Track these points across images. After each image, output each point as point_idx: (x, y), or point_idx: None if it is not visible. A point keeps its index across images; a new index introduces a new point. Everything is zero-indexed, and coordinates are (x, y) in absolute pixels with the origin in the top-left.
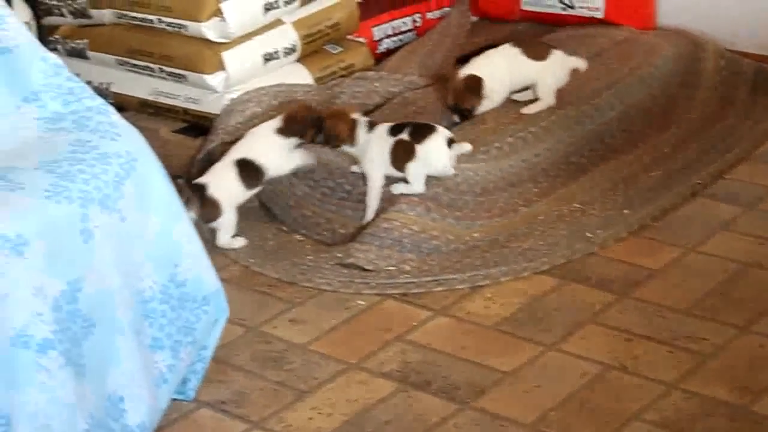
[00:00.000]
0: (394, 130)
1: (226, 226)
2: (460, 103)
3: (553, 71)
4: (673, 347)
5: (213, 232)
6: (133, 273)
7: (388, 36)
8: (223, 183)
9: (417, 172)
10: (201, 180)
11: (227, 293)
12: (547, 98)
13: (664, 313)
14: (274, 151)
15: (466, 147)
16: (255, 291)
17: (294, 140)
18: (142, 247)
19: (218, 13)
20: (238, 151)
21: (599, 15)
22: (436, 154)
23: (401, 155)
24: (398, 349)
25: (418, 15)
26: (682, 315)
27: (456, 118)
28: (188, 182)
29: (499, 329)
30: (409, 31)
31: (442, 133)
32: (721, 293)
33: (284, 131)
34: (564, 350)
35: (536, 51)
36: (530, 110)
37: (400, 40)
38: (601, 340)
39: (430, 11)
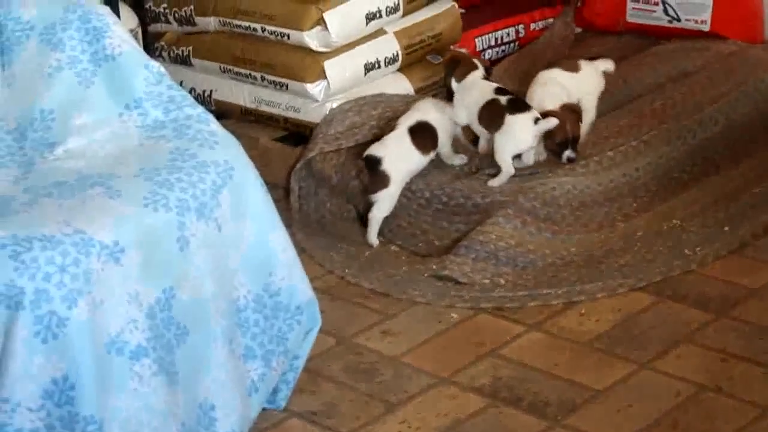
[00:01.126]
0: (498, 91)
1: (387, 199)
2: (576, 131)
3: (591, 81)
4: None
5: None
6: (227, 282)
7: (491, 46)
8: (397, 153)
9: (502, 147)
10: (374, 152)
11: (321, 303)
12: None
13: (762, 334)
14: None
15: (552, 122)
16: (348, 301)
17: None
18: (237, 255)
19: (321, 22)
20: (410, 119)
21: (706, 28)
22: (521, 127)
23: (487, 115)
24: (490, 364)
25: (521, 25)
26: None
27: (570, 154)
28: (360, 154)
29: (592, 346)
30: (513, 41)
31: (532, 113)
32: None
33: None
34: (658, 369)
35: (570, 65)
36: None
37: (503, 51)
38: (696, 359)
39: (534, 22)
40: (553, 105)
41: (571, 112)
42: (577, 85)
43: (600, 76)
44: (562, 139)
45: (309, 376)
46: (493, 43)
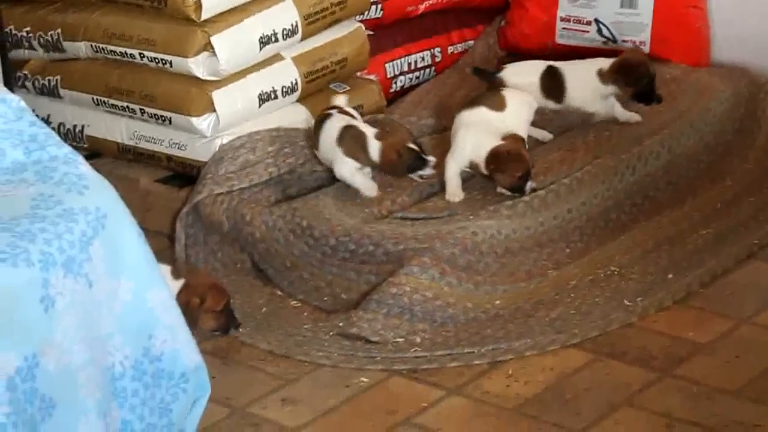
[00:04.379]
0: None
1: None
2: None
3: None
4: None
5: None
6: (100, 346)
7: (404, 72)
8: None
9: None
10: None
11: (211, 368)
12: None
13: (711, 395)
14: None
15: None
16: (243, 365)
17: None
18: (112, 316)
19: (208, 47)
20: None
21: (644, 50)
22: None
23: None
24: None
25: (437, 49)
26: (731, 397)
27: (533, 184)
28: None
29: (521, 412)
30: (428, 67)
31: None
32: None
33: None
34: None
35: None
36: None
37: (418, 78)
38: (638, 425)
39: (452, 44)
40: (492, 145)
41: (516, 140)
42: (505, 122)
43: (528, 106)
44: (524, 171)
45: None
46: (405, 68)
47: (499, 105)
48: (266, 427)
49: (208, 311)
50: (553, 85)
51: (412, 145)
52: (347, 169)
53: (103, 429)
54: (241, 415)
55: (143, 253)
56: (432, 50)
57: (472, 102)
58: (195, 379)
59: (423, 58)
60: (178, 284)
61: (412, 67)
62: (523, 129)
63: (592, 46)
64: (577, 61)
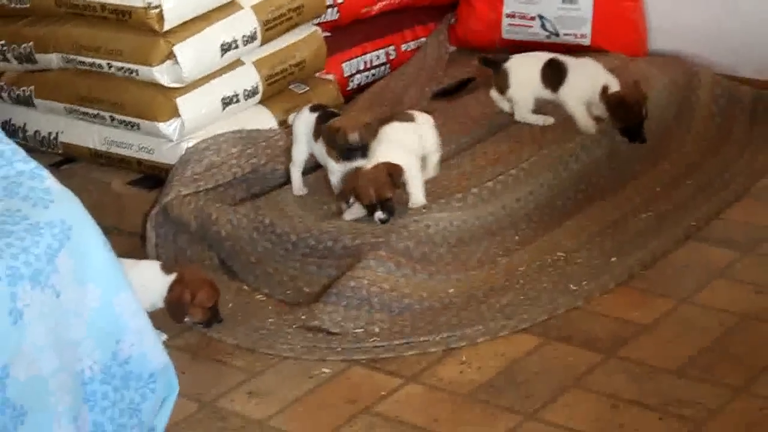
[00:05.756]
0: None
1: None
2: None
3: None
4: (663, 413)
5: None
6: (70, 353)
7: (360, 71)
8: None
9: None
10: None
11: (181, 363)
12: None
13: (654, 375)
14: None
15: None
16: (211, 360)
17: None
18: (80, 324)
19: (171, 56)
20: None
21: (586, 42)
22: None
23: None
24: (365, 423)
25: (392, 47)
26: (674, 376)
27: (381, 215)
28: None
29: (475, 397)
30: (383, 65)
31: None
32: (717, 350)
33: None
34: (545, 420)
35: (406, 116)
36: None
37: (374, 75)
38: (585, 406)
39: (405, 43)
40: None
41: (379, 173)
42: (418, 133)
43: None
44: (367, 203)
45: None
46: (362, 67)
47: (410, 119)
48: (234, 420)
49: (198, 306)
50: (554, 75)
51: (353, 135)
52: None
53: None
54: (210, 409)
55: (109, 260)
56: (387, 49)
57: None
58: (163, 378)
59: (378, 57)
60: (170, 278)
61: (368, 66)
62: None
63: (537, 41)
64: (583, 59)
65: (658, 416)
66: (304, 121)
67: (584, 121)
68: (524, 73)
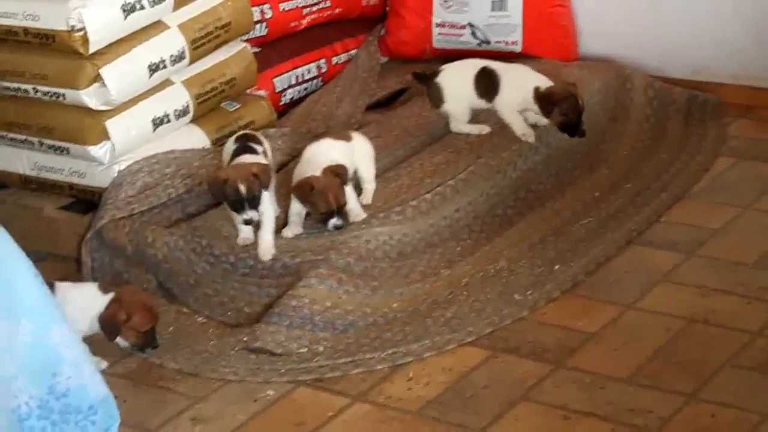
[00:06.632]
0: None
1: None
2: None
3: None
4: (615, 423)
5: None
6: (4, 389)
7: (292, 85)
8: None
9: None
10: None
11: (120, 391)
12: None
13: (603, 384)
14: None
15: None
16: (153, 386)
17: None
18: (13, 360)
19: (98, 78)
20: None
21: (517, 49)
22: None
23: None
24: None
25: (322, 60)
26: (623, 384)
27: (337, 222)
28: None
29: (424, 414)
30: (315, 78)
31: None
32: (665, 356)
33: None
34: None
35: (341, 134)
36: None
37: (306, 89)
38: (536, 419)
39: (335, 55)
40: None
41: (333, 176)
42: (350, 153)
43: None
44: (326, 210)
45: None
46: (294, 81)
47: (345, 137)
48: None
49: (132, 329)
50: (487, 84)
51: (240, 185)
52: None
53: None
54: None
55: (40, 292)
56: (318, 62)
57: (319, 135)
58: (103, 409)
59: (309, 71)
60: (107, 298)
61: (300, 80)
62: (366, 159)
63: (468, 49)
64: (513, 65)
65: (610, 427)
66: (227, 152)
67: (522, 129)
68: (457, 85)
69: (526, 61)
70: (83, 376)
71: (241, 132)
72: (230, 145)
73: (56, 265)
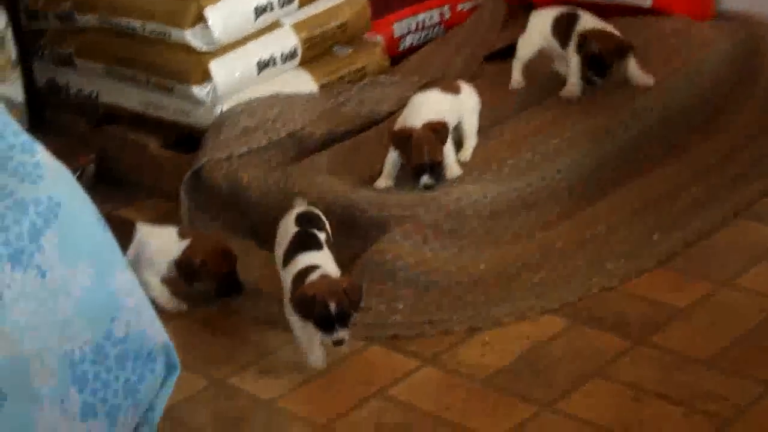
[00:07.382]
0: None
1: None
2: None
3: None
4: (687, 408)
5: None
6: (56, 334)
7: (411, 32)
8: None
9: None
10: None
11: (196, 337)
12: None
13: (682, 365)
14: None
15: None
16: (227, 334)
17: None
18: (69, 303)
19: (203, 19)
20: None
21: (647, 3)
22: None
23: None
24: (375, 407)
25: (446, 6)
26: (703, 367)
27: (427, 181)
28: None
29: (491, 384)
30: (437, 25)
31: None
32: (754, 340)
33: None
34: (561, 411)
35: (449, 86)
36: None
37: (426, 36)
38: (606, 398)
39: (461, 2)
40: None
41: (431, 131)
42: (457, 106)
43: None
44: (417, 162)
45: (171, 425)
46: (414, 28)
47: (454, 89)
48: (241, 399)
49: (209, 273)
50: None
51: (330, 303)
52: None
53: (60, 416)
54: (219, 387)
55: (102, 238)
56: (441, 8)
57: (427, 84)
58: (163, 357)
59: (431, 17)
60: (184, 243)
61: (420, 26)
62: (472, 114)
63: (594, 1)
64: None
65: (682, 412)
66: (286, 230)
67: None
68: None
69: (647, 19)
70: (143, 322)
71: (300, 209)
72: (290, 225)
73: (159, 202)
